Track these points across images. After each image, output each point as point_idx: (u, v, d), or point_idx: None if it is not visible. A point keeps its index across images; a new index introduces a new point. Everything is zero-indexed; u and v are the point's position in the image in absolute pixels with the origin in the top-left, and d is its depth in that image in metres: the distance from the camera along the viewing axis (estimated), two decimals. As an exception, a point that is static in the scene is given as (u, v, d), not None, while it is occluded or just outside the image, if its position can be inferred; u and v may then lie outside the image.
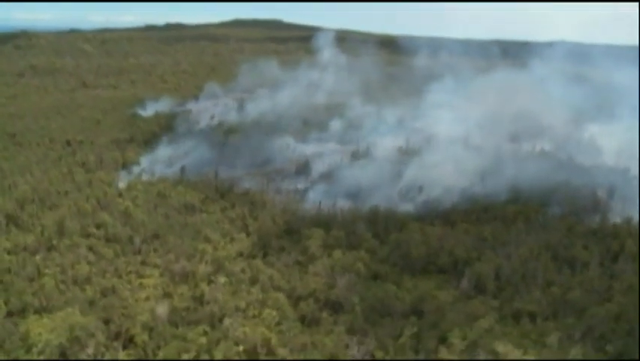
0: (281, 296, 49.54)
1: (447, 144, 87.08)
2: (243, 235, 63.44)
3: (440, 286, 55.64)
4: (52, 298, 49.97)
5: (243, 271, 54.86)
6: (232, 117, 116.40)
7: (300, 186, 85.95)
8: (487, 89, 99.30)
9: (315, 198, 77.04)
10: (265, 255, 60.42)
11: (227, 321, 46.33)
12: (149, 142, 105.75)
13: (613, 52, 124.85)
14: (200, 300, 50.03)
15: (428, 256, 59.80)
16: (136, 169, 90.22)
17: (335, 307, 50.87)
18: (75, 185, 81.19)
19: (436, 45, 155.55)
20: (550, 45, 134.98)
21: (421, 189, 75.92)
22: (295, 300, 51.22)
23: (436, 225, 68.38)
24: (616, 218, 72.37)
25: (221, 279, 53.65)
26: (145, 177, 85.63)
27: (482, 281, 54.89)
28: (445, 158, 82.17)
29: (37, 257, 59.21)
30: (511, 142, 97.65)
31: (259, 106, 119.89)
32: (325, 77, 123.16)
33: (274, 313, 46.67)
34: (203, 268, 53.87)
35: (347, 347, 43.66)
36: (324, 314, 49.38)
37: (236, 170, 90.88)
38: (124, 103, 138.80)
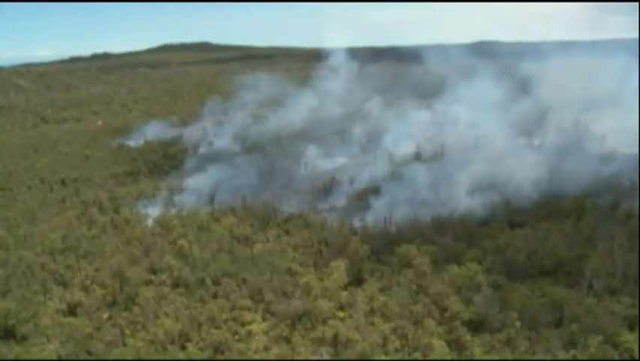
0: (431, 323, 43.36)
1: (479, 146, 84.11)
2: (333, 263, 55.94)
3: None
4: (160, 364, 41.06)
5: (360, 301, 47.97)
6: (244, 136, 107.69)
7: (340, 203, 79.85)
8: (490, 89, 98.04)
9: (374, 213, 71.26)
10: (362, 280, 53.93)
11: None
12: (155, 173, 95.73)
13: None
14: (334, 341, 42.80)
15: (530, 260, 55.65)
16: (157, 203, 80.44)
17: (472, 327, 45.37)
18: (100, 228, 70.55)
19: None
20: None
21: (489, 188, 71.92)
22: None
23: (510, 227, 64.94)
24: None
25: (340, 314, 46.68)
26: (173, 211, 76.08)
27: (602, 279, 51.39)
28: (486, 159, 79.00)
29: (105, 315, 49.54)
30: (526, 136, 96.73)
31: (265, 124, 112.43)
32: (327, 88, 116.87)
33: (442, 343, 40.49)
34: (323, 305, 46.39)
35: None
36: (468, 336, 43.85)
37: (267, 192, 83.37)
38: (102, 135, 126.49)
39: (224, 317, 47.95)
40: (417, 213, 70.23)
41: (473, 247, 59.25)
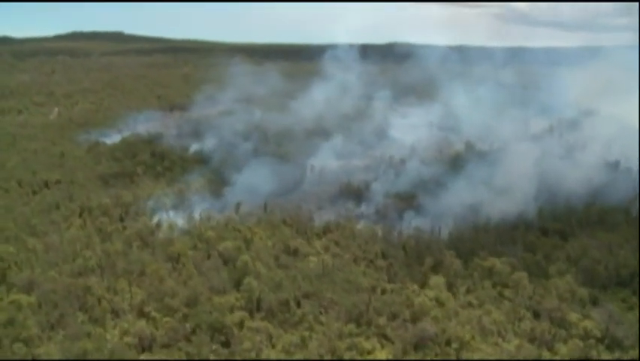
0: (575, 343, 40.64)
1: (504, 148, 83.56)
2: (432, 279, 51.34)
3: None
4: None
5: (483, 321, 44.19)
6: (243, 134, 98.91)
7: (365, 209, 75.55)
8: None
9: (413, 220, 68.03)
10: (456, 293, 50.20)
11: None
12: (150, 175, 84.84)
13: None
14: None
15: (607, 270, 55.04)
16: (173, 210, 70.93)
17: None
18: (123, 240, 59.87)
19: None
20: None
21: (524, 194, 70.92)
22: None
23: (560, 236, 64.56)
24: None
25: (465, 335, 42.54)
26: (198, 219, 67.10)
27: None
28: (511, 163, 78.40)
29: (194, 350, 41.31)
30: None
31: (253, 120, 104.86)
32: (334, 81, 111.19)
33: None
34: (453, 327, 41.88)
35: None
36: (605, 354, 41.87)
37: (283, 197, 77.16)
38: (66, 129, 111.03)
39: (339, 345, 41.89)
40: (456, 221, 68.04)
41: (537, 254, 58.04)
